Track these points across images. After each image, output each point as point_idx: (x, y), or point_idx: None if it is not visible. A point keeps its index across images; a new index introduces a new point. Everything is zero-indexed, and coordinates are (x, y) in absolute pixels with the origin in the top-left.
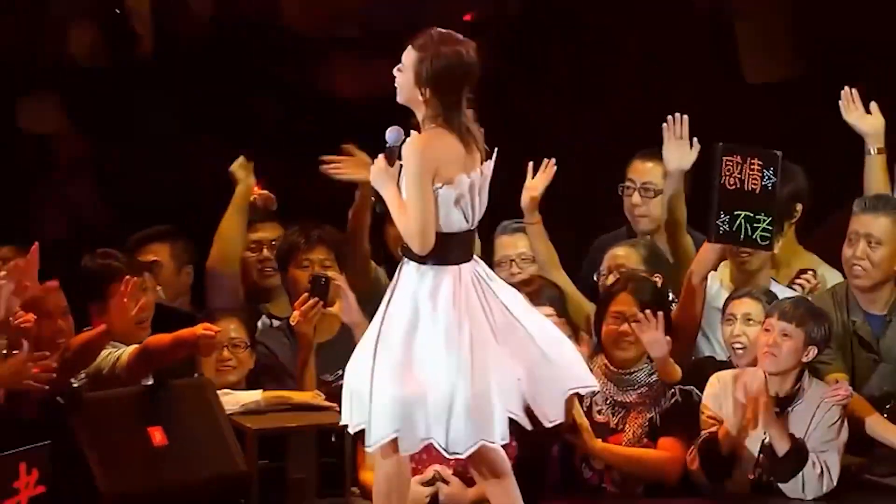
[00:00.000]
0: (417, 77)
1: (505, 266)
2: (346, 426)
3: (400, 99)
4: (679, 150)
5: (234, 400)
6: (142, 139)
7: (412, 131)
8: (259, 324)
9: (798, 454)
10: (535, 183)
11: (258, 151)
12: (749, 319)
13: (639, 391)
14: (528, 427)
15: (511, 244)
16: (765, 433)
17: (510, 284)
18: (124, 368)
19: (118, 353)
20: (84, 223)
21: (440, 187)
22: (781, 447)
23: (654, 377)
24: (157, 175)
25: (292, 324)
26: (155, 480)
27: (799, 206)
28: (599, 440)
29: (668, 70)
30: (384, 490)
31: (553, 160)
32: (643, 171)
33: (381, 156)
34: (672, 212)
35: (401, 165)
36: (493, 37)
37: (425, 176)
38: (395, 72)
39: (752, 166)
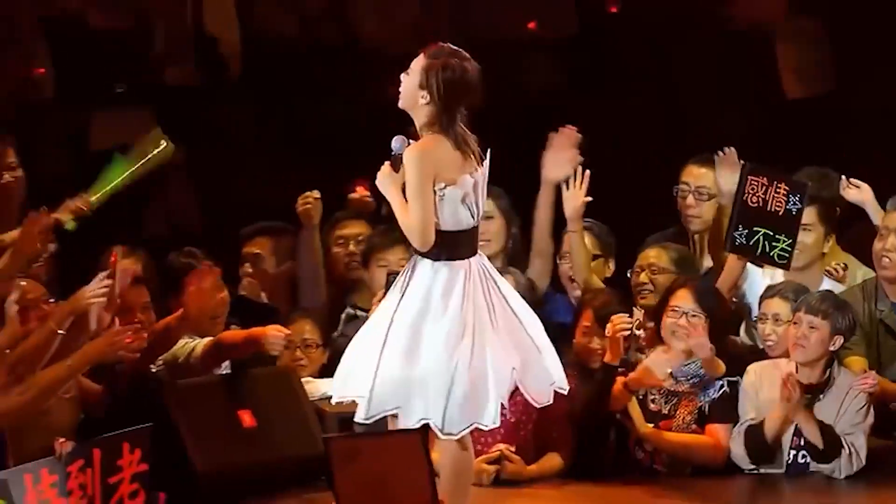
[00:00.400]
0: (422, 81)
1: None
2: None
3: (401, 104)
4: (731, 175)
5: (315, 388)
6: (231, 149)
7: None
8: (343, 315)
9: (834, 446)
10: (578, 193)
11: (346, 161)
12: (777, 319)
13: (690, 381)
14: (536, 404)
15: None
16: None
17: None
18: (198, 359)
19: (193, 344)
20: (180, 224)
21: (445, 188)
22: (809, 431)
23: (704, 370)
24: (245, 182)
25: None
26: (245, 459)
27: (837, 209)
28: (650, 426)
29: (707, 83)
30: (451, 473)
31: (587, 171)
32: (698, 175)
33: (386, 163)
34: (718, 222)
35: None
36: (550, 51)
37: (425, 179)
38: (402, 76)
39: (778, 190)
